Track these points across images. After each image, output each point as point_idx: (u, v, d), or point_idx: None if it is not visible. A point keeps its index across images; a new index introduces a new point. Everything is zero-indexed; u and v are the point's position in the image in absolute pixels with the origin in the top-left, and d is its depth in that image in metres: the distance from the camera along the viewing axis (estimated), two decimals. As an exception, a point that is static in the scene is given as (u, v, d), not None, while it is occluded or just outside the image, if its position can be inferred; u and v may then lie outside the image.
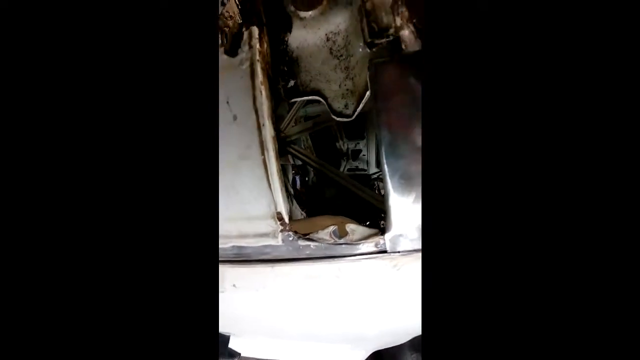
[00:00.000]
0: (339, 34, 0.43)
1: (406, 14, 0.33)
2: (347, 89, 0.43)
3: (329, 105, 0.43)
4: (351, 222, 0.40)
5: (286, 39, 0.43)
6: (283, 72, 0.43)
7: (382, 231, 0.32)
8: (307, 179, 0.83)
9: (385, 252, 0.32)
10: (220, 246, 0.34)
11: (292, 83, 0.43)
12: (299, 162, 0.70)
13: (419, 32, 0.33)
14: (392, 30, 0.29)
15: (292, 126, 0.56)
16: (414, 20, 0.33)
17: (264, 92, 0.33)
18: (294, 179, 0.78)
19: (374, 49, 0.29)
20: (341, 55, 0.43)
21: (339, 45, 0.43)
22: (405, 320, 0.40)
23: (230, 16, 0.36)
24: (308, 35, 0.43)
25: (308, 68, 0.43)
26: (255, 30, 0.35)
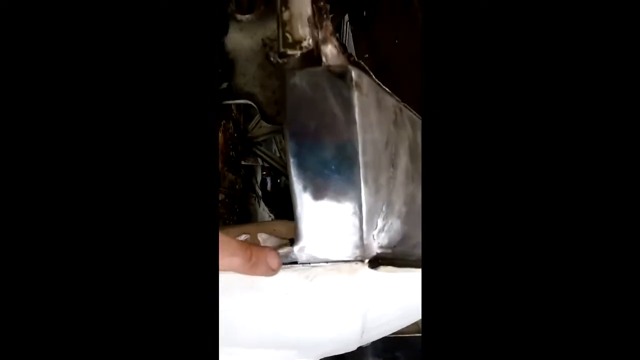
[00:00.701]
0: (275, 40, 0.42)
1: (330, 27, 0.33)
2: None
3: (262, 111, 0.42)
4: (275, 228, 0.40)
5: (222, 40, 0.42)
6: (217, 74, 0.43)
7: (292, 242, 0.32)
8: (278, 180, 0.82)
9: (296, 263, 0.32)
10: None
11: (224, 85, 0.43)
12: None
13: (342, 48, 0.33)
14: (305, 43, 0.29)
15: (260, 127, 0.55)
16: (337, 35, 0.33)
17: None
18: (264, 180, 0.77)
19: (285, 60, 0.29)
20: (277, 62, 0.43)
21: (275, 51, 0.43)
22: (324, 330, 0.41)
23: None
24: (244, 39, 0.42)
25: (244, 72, 0.43)
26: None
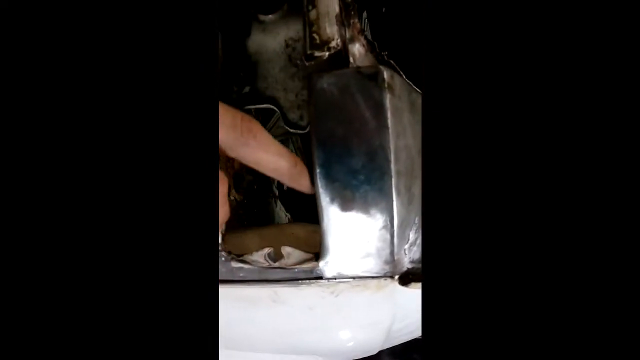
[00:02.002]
0: (299, 40, 0.41)
1: (358, 25, 0.31)
2: (304, 99, 0.41)
3: (284, 115, 0.41)
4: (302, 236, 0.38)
5: (245, 43, 0.41)
6: (239, 77, 0.41)
7: (318, 256, 0.30)
8: None
9: (321, 278, 0.30)
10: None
11: (247, 89, 0.41)
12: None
13: (370, 46, 0.31)
14: (334, 43, 0.27)
15: (277, 127, 0.54)
16: (365, 33, 0.31)
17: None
18: None
19: (312, 62, 0.27)
20: (300, 63, 0.41)
21: (298, 53, 0.41)
22: (347, 341, 0.39)
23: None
24: (267, 40, 0.41)
25: (265, 75, 0.41)
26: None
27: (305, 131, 0.38)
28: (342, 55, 0.28)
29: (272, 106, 0.41)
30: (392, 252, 0.29)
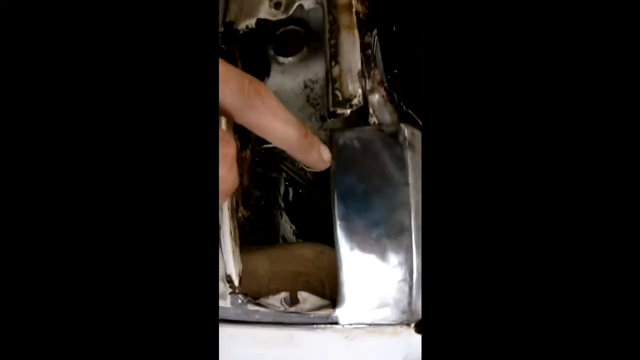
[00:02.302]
0: (317, 82, 0.42)
1: (378, 77, 0.32)
2: (321, 139, 0.41)
3: (301, 155, 0.41)
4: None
5: (264, 83, 0.42)
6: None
7: (334, 303, 0.30)
8: (300, 190, 0.82)
9: (337, 323, 0.31)
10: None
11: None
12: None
13: (390, 96, 0.32)
14: (356, 100, 0.28)
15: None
16: (386, 84, 0.32)
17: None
18: (286, 191, 0.77)
19: (334, 119, 0.28)
20: (317, 104, 0.42)
21: (316, 94, 0.42)
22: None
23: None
24: (286, 80, 0.42)
25: (284, 114, 0.42)
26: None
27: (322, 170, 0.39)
28: (363, 109, 0.29)
29: (289, 145, 0.42)
30: (410, 303, 0.29)
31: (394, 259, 0.27)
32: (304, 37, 0.40)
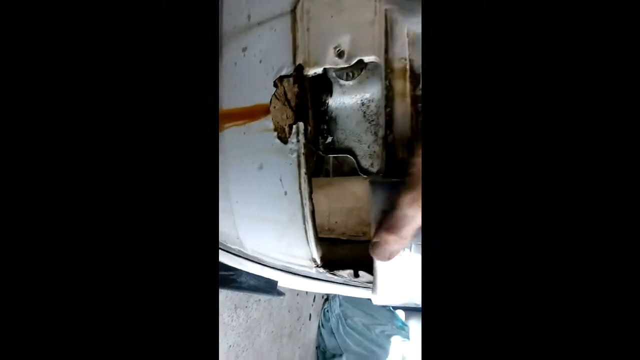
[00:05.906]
0: (372, 101, 0.49)
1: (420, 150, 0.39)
2: (374, 151, 0.51)
3: (358, 162, 0.53)
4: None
5: (327, 101, 0.50)
6: (323, 129, 0.52)
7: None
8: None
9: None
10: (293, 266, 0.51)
11: (329, 139, 0.53)
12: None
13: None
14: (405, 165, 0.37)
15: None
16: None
17: (306, 180, 0.44)
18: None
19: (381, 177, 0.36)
20: (372, 120, 0.50)
21: (371, 111, 0.50)
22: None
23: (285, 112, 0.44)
24: (346, 99, 0.49)
25: (344, 127, 0.51)
26: (301, 125, 0.43)
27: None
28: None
29: (348, 155, 0.52)
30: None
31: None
32: (361, 65, 0.46)
